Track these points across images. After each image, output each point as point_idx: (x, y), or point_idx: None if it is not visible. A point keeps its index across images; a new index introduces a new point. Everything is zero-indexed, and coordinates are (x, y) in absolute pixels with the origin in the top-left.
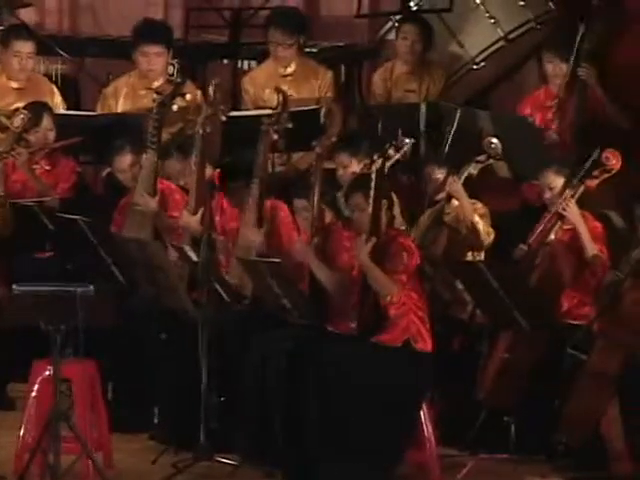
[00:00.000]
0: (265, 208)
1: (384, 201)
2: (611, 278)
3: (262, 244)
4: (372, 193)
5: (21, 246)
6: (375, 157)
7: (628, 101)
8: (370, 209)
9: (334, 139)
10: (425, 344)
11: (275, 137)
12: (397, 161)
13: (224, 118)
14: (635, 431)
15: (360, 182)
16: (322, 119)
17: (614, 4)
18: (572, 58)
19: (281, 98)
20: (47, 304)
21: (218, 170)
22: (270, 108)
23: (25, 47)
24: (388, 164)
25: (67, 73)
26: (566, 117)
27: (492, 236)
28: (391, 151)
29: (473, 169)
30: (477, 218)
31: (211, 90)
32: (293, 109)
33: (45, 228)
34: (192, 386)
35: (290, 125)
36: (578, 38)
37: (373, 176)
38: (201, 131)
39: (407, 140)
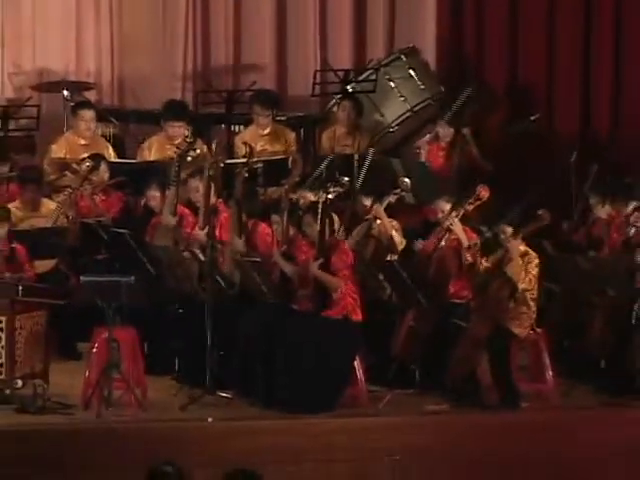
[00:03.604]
0: (247, 225)
1: (328, 220)
2: (481, 273)
3: (244, 248)
4: (319, 216)
5: (86, 251)
6: (321, 192)
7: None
8: (318, 226)
9: (297, 179)
10: (358, 316)
11: (246, 175)
12: (339, 193)
13: (222, 164)
14: (499, 375)
15: (310, 208)
16: (289, 165)
17: (486, 90)
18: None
19: (248, 149)
20: (103, 289)
21: (221, 200)
22: (242, 157)
23: (88, 114)
24: (332, 195)
25: (117, 134)
26: (452, 163)
27: (404, 244)
28: (331, 188)
29: (391, 198)
30: (394, 232)
31: (214, 146)
32: (268, 158)
33: (102, 239)
34: (201, 344)
35: (258, 166)
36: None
37: (320, 204)
38: (206, 173)
39: (346, 179)
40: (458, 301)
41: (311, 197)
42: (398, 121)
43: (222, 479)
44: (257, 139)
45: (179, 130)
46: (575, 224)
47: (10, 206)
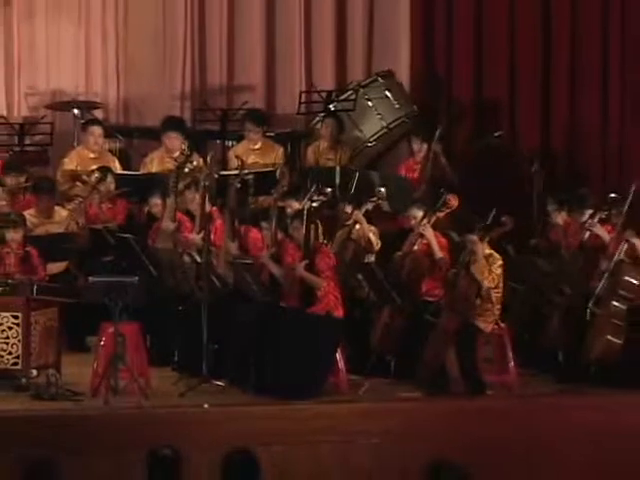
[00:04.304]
0: (240, 230)
1: (312, 226)
2: (451, 273)
3: (237, 251)
4: (305, 222)
5: (95, 254)
6: (306, 200)
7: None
8: (303, 230)
9: (285, 189)
10: (339, 312)
11: (238, 185)
12: (323, 201)
13: (216, 176)
14: (466, 366)
15: (297, 215)
16: (277, 177)
17: (454, 105)
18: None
19: (240, 162)
20: (110, 289)
21: (215, 208)
22: (234, 169)
23: (97, 130)
24: (317, 204)
25: (122, 148)
26: (425, 175)
27: (379, 245)
28: (315, 197)
29: (369, 206)
30: (371, 235)
31: (208, 159)
32: (258, 170)
33: (109, 243)
34: (198, 338)
35: (249, 177)
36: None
37: (305, 212)
38: (202, 184)
39: (329, 189)
40: (429, 299)
41: (297, 205)
42: (375, 137)
43: (221, 459)
44: (248, 153)
45: (176, 141)
46: (539, 239)
47: (26, 213)
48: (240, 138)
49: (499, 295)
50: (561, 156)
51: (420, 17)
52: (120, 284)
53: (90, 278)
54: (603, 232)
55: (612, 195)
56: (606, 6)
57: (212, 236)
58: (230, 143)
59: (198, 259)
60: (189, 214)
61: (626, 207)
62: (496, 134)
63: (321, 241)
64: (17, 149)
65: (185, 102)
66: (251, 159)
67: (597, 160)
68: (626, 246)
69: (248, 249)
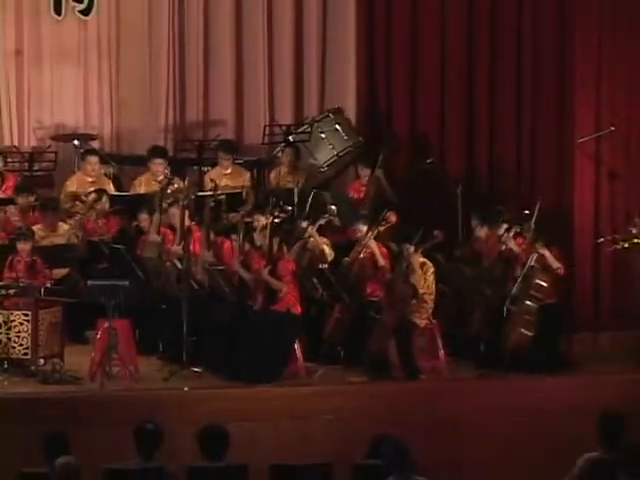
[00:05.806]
0: (215, 241)
1: (275, 238)
2: (390, 278)
3: (212, 259)
4: (268, 234)
5: (92, 262)
6: (269, 216)
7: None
8: (267, 242)
9: (250, 207)
10: (297, 310)
11: (212, 204)
12: (283, 218)
13: (194, 196)
14: (404, 355)
15: (263, 228)
16: (244, 197)
17: (393, 137)
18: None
19: (214, 184)
20: (105, 291)
21: (193, 223)
22: (209, 190)
23: (93, 158)
24: (278, 219)
25: (115, 173)
26: (369, 196)
27: (332, 256)
28: (277, 213)
29: (322, 221)
30: (325, 247)
31: (186, 182)
32: (229, 191)
33: (104, 252)
34: (179, 331)
35: (222, 197)
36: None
37: (268, 226)
38: (181, 203)
39: (288, 207)
40: (373, 299)
41: (263, 220)
42: (327, 163)
43: (198, 433)
44: (221, 177)
45: (160, 166)
46: (464, 249)
47: (34, 228)
48: (214, 164)
49: (431, 296)
50: (482, 179)
51: (364, 63)
52: (113, 287)
53: (88, 282)
54: (514, 245)
55: (525, 212)
56: (520, 52)
57: (191, 247)
58: (205, 169)
59: (179, 266)
60: (172, 228)
61: (533, 222)
62: (428, 161)
63: (281, 251)
64: (27, 174)
65: (168, 134)
66: (223, 182)
67: (512, 183)
68: (536, 255)
69: (222, 257)
